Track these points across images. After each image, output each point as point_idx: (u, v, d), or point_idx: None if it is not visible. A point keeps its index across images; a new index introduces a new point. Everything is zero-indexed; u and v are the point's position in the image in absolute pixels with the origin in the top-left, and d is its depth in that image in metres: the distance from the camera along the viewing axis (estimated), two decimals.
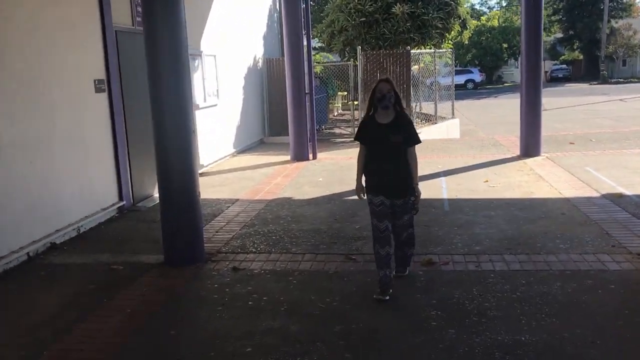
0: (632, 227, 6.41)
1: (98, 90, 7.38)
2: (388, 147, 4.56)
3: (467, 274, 5.26)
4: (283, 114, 12.65)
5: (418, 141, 4.67)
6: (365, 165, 4.73)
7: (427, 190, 8.52)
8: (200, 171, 10.39)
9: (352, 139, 14.66)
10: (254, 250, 6.10)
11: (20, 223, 5.95)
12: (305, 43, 11.48)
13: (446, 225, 6.76)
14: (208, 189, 9.17)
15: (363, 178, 4.85)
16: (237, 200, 8.40)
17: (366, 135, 4.68)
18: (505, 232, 6.41)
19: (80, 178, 7.02)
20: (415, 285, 5.02)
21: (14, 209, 5.89)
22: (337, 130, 17.00)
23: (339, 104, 22.50)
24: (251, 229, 6.90)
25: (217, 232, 6.83)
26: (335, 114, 22.44)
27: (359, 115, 15.06)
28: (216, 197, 8.62)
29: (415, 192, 4.79)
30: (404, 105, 4.69)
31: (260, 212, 7.66)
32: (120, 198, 7.81)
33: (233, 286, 5.12)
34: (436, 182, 9.14)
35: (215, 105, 11.48)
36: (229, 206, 8.05)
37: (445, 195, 8.31)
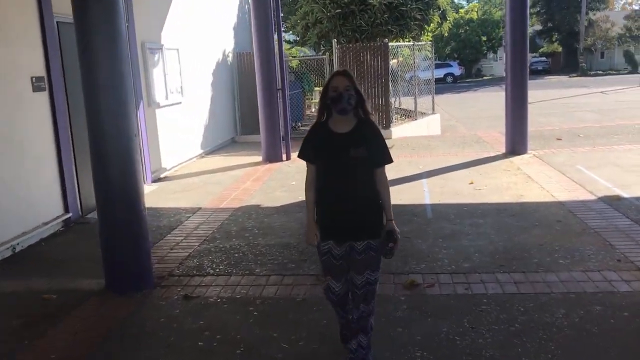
0: (636, 236, 5.74)
1: (37, 89, 6.52)
2: (346, 165, 3.22)
3: (456, 298, 4.54)
4: (255, 111, 11.82)
5: (389, 160, 3.31)
6: (316, 192, 3.35)
7: (409, 194, 7.83)
8: (161, 175, 9.61)
9: None
10: (211, 271, 5.32)
11: None
12: (275, 36, 10.69)
13: (430, 237, 6.04)
14: (168, 196, 8.35)
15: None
16: (199, 209, 7.59)
17: (316, 148, 3.29)
18: (496, 245, 5.70)
19: (15, 189, 6.16)
20: (396, 315, 4.29)
21: None
22: None
23: (316, 99, 21.73)
24: (211, 244, 6.11)
25: (171, 249, 6.03)
26: (313, 109, 21.71)
27: None
28: (175, 206, 7.80)
29: (393, 234, 3.32)
30: (370, 109, 3.34)
31: (223, 223, 6.87)
32: (66, 210, 6.96)
33: (183, 320, 4.34)
34: (417, 185, 8.42)
35: (178, 102, 10.64)
36: (189, 216, 7.24)
37: (427, 199, 7.60)
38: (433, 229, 6.29)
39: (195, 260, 5.62)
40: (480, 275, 4.94)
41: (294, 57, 20.03)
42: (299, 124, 16.21)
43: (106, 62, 4.58)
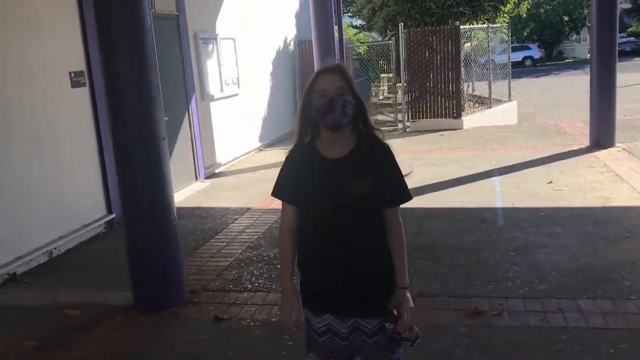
0: None
1: (76, 84, 6.19)
2: (341, 206, 2.23)
3: (528, 332, 3.79)
4: None
5: (407, 196, 2.32)
6: (298, 248, 2.38)
7: (477, 194, 7.04)
8: (216, 171, 9.22)
9: (393, 128, 13.20)
10: (249, 286, 4.79)
11: None
12: (335, 21, 10.05)
13: (500, 249, 5.27)
14: (219, 194, 7.92)
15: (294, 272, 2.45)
16: (248, 209, 7.10)
17: (297, 182, 2.31)
18: (579, 261, 4.87)
19: (53, 190, 5.87)
20: (454, 354, 3.60)
21: None
22: (379, 117, 15.50)
23: (384, 86, 20.96)
24: (255, 252, 5.60)
25: (212, 257, 5.56)
26: (381, 97, 20.92)
27: (403, 99, 13.55)
28: (225, 206, 7.35)
29: (404, 306, 2.29)
30: (373, 123, 2.34)
31: (271, 226, 6.34)
32: (109, 210, 6.63)
33: (209, 348, 3.83)
34: (488, 184, 7.60)
35: (234, 94, 10.20)
36: (236, 218, 6.77)
37: (499, 202, 6.78)
38: (504, 240, 5.50)
39: (234, 272, 5.12)
40: (558, 302, 4.16)
41: (362, 42, 19.30)
42: None
43: (128, 55, 4.10)
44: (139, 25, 4.10)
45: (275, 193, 2.39)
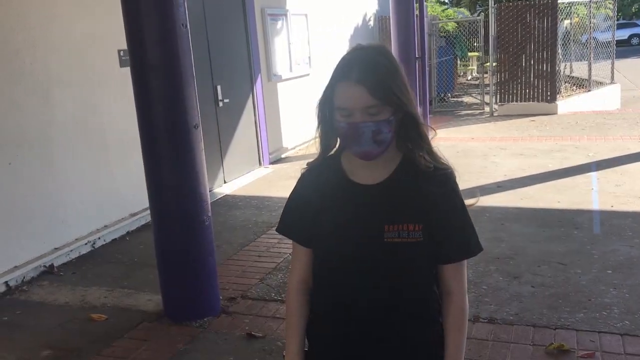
0: None
1: (125, 63, 5.78)
2: (376, 258, 1.53)
3: None
4: None
5: (475, 248, 1.59)
6: (313, 305, 1.68)
7: (570, 193, 6.09)
8: (282, 155, 8.71)
9: (479, 112, 12.18)
10: None
11: (5, 240, 4.60)
12: None
13: (595, 265, 4.39)
14: (280, 183, 7.38)
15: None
16: None
17: (314, 216, 1.60)
18: None
19: (98, 177, 5.53)
20: None
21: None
22: (465, 99, 14.47)
23: (473, 66, 19.74)
24: None
25: (259, 257, 5.02)
26: (469, 77, 19.71)
27: (491, 80, 12.47)
28: (284, 196, 6.72)
29: None
30: (429, 138, 1.57)
31: None
32: None
33: None
34: (584, 180, 6.60)
35: (305, 75, 9.59)
36: None
37: (595, 204, 5.81)
38: (600, 253, 4.61)
39: (279, 277, 4.55)
40: None
41: (450, 18, 18.13)
42: (449, 95, 14.55)
43: (153, 32, 3.57)
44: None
45: (282, 229, 1.68)
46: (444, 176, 1.55)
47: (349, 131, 1.48)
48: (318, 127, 1.59)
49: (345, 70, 1.47)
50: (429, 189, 1.53)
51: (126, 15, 3.62)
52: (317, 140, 1.61)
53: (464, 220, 1.57)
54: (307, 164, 1.66)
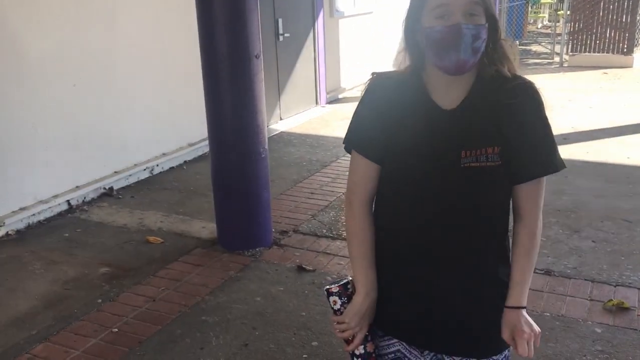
0: None
1: None
2: (452, 181, 1.42)
3: None
4: None
5: (558, 164, 1.46)
6: (379, 238, 1.55)
7: None
8: (339, 96, 8.59)
9: (548, 62, 11.62)
10: (344, 234, 4.20)
11: (68, 161, 4.73)
12: None
13: None
14: (336, 123, 7.29)
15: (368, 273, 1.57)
16: None
17: (387, 134, 1.47)
18: None
19: (157, 107, 5.57)
20: None
21: (63, 143, 4.67)
22: (534, 48, 13.84)
23: (544, 13, 18.81)
24: None
25: (312, 193, 5.01)
26: (539, 26, 18.81)
27: (563, 29, 11.83)
28: (339, 136, 6.65)
29: (522, 334, 1.46)
30: (514, 56, 1.44)
31: None
32: None
33: (282, 305, 3.31)
34: None
35: (369, 12, 9.29)
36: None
37: None
38: None
39: (332, 214, 4.54)
40: None
41: None
42: (517, 42, 13.92)
43: None
44: None
45: (354, 143, 1.52)
46: (523, 86, 1.42)
47: (447, 35, 1.34)
48: (406, 41, 1.46)
49: None
50: (507, 101, 1.40)
51: None
52: (401, 54, 1.48)
53: (545, 134, 1.44)
54: (374, 72, 1.53)
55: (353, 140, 1.54)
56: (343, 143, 1.59)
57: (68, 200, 4.73)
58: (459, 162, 1.40)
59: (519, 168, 1.43)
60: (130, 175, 5.27)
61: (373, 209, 1.58)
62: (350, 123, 1.55)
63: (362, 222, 1.55)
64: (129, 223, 4.48)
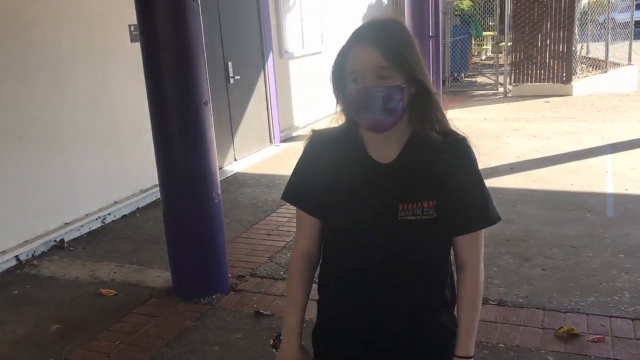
0: None
1: (135, 38, 5.74)
2: (389, 235, 1.48)
3: None
4: None
5: (492, 218, 1.53)
6: (322, 283, 1.66)
7: (584, 175, 6.02)
8: (293, 134, 8.67)
9: (493, 92, 12.02)
10: None
11: (16, 215, 4.62)
12: None
13: (607, 249, 4.34)
14: (291, 161, 7.28)
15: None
16: None
17: (326, 189, 1.53)
18: None
19: (108, 153, 5.52)
20: None
21: (10, 196, 4.56)
22: (479, 79, 14.30)
23: (488, 45, 19.47)
24: None
25: (269, 234, 5.01)
26: (484, 57, 19.47)
27: (505, 60, 12.29)
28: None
29: None
30: (444, 115, 1.51)
31: None
32: None
33: (239, 352, 3.29)
34: (598, 163, 6.51)
35: (317, 52, 9.49)
36: None
37: (609, 186, 5.74)
38: (612, 236, 4.55)
39: (288, 255, 4.54)
40: None
41: None
42: (463, 74, 14.37)
43: (163, 7, 3.52)
44: None
45: (290, 197, 1.59)
46: (456, 142, 1.49)
47: (358, 97, 1.41)
48: (337, 101, 1.52)
49: (358, 34, 1.43)
50: (441, 158, 1.47)
51: None
52: (339, 113, 1.53)
53: (480, 188, 1.51)
54: (313, 130, 1.59)
55: (289, 195, 1.60)
56: (281, 198, 1.64)
57: (17, 256, 4.61)
58: (397, 215, 1.45)
59: (455, 223, 1.50)
60: (81, 226, 5.18)
61: (321, 261, 1.62)
62: (289, 179, 1.61)
63: (297, 278, 1.62)
64: (81, 276, 4.39)
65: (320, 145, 1.56)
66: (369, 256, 1.50)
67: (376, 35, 1.40)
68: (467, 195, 1.49)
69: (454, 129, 1.52)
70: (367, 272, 1.51)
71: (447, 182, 1.47)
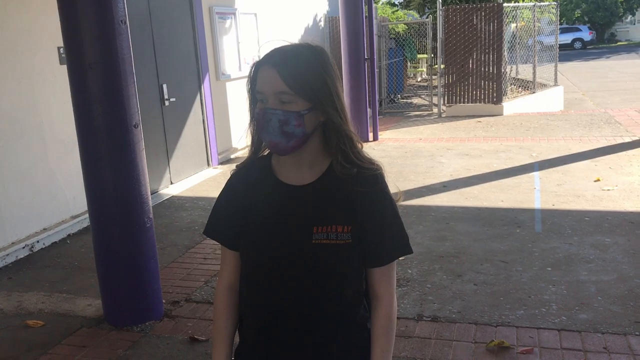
0: None
1: (64, 61, 5.60)
2: (304, 260, 1.47)
3: None
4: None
5: (403, 249, 1.55)
6: (241, 309, 1.62)
7: (513, 192, 6.23)
8: (231, 156, 8.61)
9: (428, 113, 12.34)
10: None
11: None
12: None
13: (535, 263, 4.50)
14: None
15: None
16: None
17: (242, 219, 1.53)
18: (630, 283, 4.07)
19: (36, 179, 5.33)
20: None
21: None
22: (414, 100, 14.66)
23: (423, 68, 20.01)
24: None
25: (205, 259, 4.94)
26: (419, 79, 19.99)
27: (439, 82, 12.66)
28: None
29: None
30: (359, 143, 1.52)
31: None
32: None
33: None
34: (527, 180, 6.76)
35: None
36: None
37: (538, 202, 5.96)
38: (540, 250, 4.72)
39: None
40: (603, 338, 3.39)
41: (400, 20, 18.34)
42: (399, 96, 14.70)
43: (90, 29, 3.46)
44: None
45: (209, 231, 1.60)
46: (372, 177, 1.50)
47: (259, 117, 1.43)
48: (250, 123, 1.53)
49: (267, 56, 1.44)
50: (358, 189, 1.48)
51: (62, 12, 3.51)
52: (252, 136, 1.54)
53: (394, 221, 1.53)
54: (236, 166, 1.61)
55: (208, 229, 1.62)
56: (203, 234, 1.64)
57: None
58: (311, 238, 1.46)
59: (369, 254, 1.51)
60: (7, 255, 4.97)
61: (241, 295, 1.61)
62: (210, 213, 1.61)
63: (222, 310, 1.61)
64: (6, 307, 4.19)
65: (237, 177, 1.58)
66: (284, 280, 1.49)
67: (282, 60, 1.41)
68: (381, 228, 1.51)
69: (369, 160, 1.52)
70: (283, 294, 1.50)
71: (362, 213, 1.48)
